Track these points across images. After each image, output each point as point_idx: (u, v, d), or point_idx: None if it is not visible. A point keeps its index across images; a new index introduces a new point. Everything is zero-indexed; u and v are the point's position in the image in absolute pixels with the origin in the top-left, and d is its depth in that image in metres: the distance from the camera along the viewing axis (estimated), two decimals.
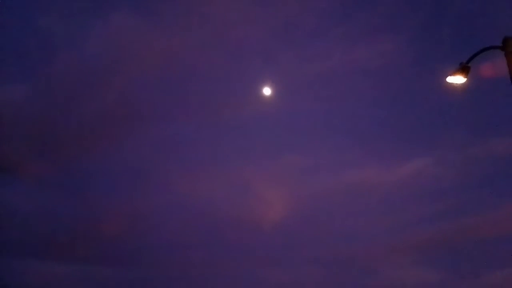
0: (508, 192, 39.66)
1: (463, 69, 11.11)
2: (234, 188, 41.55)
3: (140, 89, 39.30)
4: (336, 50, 38.23)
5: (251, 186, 40.80)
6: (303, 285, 37.62)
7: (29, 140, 37.00)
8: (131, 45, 36.84)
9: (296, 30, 37.75)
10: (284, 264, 38.68)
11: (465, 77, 11.20)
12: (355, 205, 40.57)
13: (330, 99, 39.28)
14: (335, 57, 38.43)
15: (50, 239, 36.70)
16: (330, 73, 38.63)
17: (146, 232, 38.86)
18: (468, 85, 11.51)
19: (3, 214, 34.82)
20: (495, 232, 36.39)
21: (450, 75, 11.18)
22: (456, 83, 11.22)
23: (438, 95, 34.59)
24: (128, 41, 36.63)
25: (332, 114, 40.51)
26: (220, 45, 37.46)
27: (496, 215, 37.24)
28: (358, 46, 37.55)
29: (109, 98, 38.29)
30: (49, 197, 39.00)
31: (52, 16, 37.58)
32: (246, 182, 40.64)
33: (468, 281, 36.49)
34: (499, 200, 38.03)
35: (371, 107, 39.05)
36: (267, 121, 39.28)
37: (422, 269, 37.98)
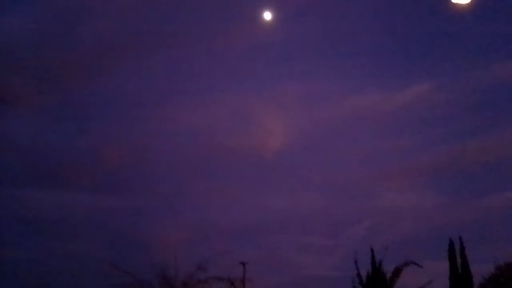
0: (509, 116, 39.74)
1: None
2: (235, 117, 41.61)
3: (138, 18, 38.35)
4: None
5: (252, 115, 40.87)
6: (304, 209, 38.58)
7: (28, 71, 36.59)
8: None
9: None
10: (285, 189, 39.47)
11: None
12: (355, 131, 40.81)
13: (332, 25, 38.45)
14: None
15: (51, 169, 37.25)
16: None
17: (148, 161, 39.36)
18: (471, 6, 11.21)
19: (5, 145, 35.12)
20: (495, 156, 36.83)
21: None
22: (462, 3, 10.92)
23: (440, 20, 33.87)
24: None
25: (333, 41, 39.79)
26: None
27: (497, 139, 37.58)
28: None
29: (108, 28, 37.47)
30: (50, 128, 39.21)
31: None
32: (247, 110, 40.65)
33: (467, 204, 37.37)
34: (500, 124, 38.24)
35: (374, 33, 38.29)
36: (268, 48, 38.65)
37: (421, 192, 38.80)
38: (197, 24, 38.15)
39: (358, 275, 22.50)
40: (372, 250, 22.73)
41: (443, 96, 38.97)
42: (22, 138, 37.28)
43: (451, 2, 10.87)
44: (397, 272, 22.33)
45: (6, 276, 28.43)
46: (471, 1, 10.80)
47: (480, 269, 26.07)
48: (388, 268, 22.40)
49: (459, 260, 23.30)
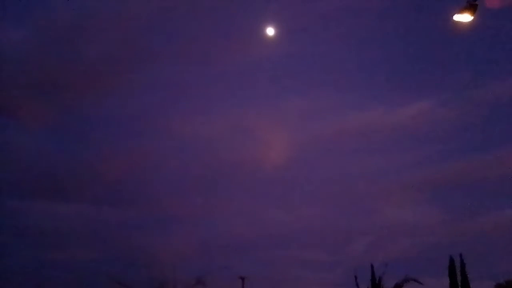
0: (509, 133, 39.78)
1: (471, 6, 10.88)
2: (235, 131, 41.65)
3: (141, 32, 38.60)
4: None
5: (253, 129, 40.90)
6: (304, 224, 38.45)
7: (30, 83, 36.75)
8: None
9: None
10: (285, 204, 39.37)
11: (472, 15, 10.99)
12: (357, 147, 40.81)
13: (333, 40, 38.67)
14: None
15: (51, 181, 37.19)
16: (335, 13, 37.76)
17: (148, 174, 39.30)
18: (472, 25, 11.32)
19: (6, 156, 35.14)
20: (496, 172, 36.77)
21: (457, 13, 10.97)
22: (463, 22, 11.01)
23: (442, 37, 34.09)
24: None
25: (335, 56, 39.99)
26: None
27: (498, 155, 37.55)
28: None
29: (110, 42, 37.69)
30: (51, 139, 39.25)
31: None
32: (248, 124, 40.69)
33: (467, 221, 37.25)
34: (501, 140, 38.26)
35: (374, 49, 38.50)
36: (270, 62, 38.79)
37: (422, 208, 38.67)
38: (200, 38, 38.39)
39: None
40: (372, 266, 22.77)
41: (444, 113, 39.06)
42: (23, 149, 37.30)
43: (453, 21, 10.99)
44: None
45: (4, 287, 28.33)
46: (472, 20, 10.93)
47: (480, 287, 25.99)
48: (388, 285, 22.41)
49: (459, 277, 23.27)
